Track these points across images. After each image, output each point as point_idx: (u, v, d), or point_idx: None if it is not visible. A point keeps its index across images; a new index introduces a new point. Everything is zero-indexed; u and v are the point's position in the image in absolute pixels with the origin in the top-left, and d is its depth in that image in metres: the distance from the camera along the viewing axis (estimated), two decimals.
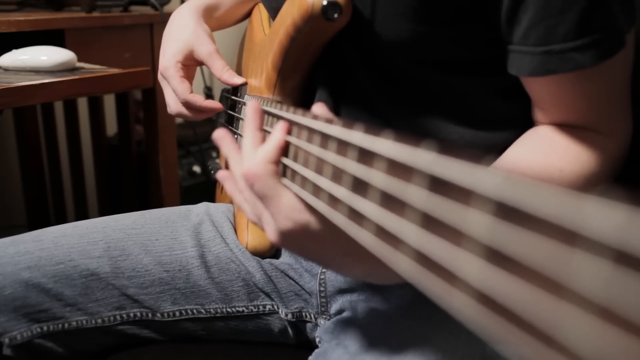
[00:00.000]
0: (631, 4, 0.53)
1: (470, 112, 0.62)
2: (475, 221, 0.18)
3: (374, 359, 0.58)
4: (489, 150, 0.60)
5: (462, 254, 0.19)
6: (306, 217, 0.44)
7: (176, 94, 0.78)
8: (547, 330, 0.15)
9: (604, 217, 0.14)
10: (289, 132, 0.46)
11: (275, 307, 0.74)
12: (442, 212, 0.20)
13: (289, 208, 0.45)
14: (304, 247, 0.47)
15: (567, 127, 0.57)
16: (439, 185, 0.21)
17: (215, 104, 0.78)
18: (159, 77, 0.81)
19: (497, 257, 0.17)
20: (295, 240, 0.46)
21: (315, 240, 0.45)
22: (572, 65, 0.51)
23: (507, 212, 0.17)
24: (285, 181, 0.45)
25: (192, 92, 0.78)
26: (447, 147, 0.21)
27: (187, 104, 0.78)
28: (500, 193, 0.18)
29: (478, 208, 0.18)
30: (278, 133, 0.46)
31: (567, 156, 0.55)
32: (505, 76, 0.56)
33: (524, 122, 0.59)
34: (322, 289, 0.70)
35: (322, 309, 0.71)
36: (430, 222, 0.21)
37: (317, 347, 0.69)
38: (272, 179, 0.46)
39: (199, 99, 0.77)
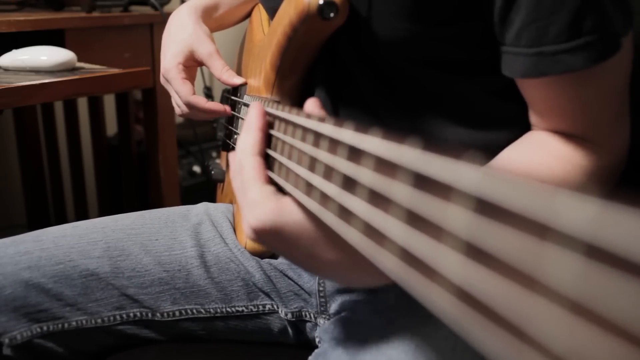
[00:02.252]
0: (626, 6, 0.53)
1: (467, 112, 0.62)
2: (455, 216, 0.19)
3: (374, 358, 0.58)
4: (486, 151, 0.60)
5: (443, 249, 0.19)
6: (270, 217, 0.44)
7: (179, 96, 0.78)
8: (520, 325, 0.15)
9: (575, 210, 0.14)
10: (272, 126, 0.47)
11: (275, 306, 0.74)
12: (425, 208, 0.20)
13: (255, 205, 0.45)
14: (271, 244, 0.47)
15: (560, 134, 0.56)
16: (422, 181, 0.21)
17: (217, 106, 0.78)
18: (162, 79, 0.81)
19: (475, 252, 0.18)
20: (261, 237, 0.46)
21: (280, 240, 0.45)
22: (563, 67, 0.51)
23: (485, 207, 0.17)
24: (279, 180, 0.45)
25: (194, 93, 0.78)
26: (432, 144, 0.21)
27: (189, 106, 0.78)
28: (478, 188, 0.18)
29: (458, 203, 0.19)
30: (254, 117, 0.48)
31: (552, 166, 0.54)
32: (501, 77, 0.56)
33: (521, 123, 0.59)
34: (321, 288, 0.71)
35: (322, 308, 0.71)
36: (414, 219, 0.21)
37: (317, 347, 0.69)
38: (253, 171, 0.47)
39: (201, 101, 0.77)
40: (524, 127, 0.59)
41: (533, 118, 0.58)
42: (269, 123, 0.50)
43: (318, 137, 0.35)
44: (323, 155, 0.34)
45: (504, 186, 0.16)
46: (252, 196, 0.45)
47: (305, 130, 0.38)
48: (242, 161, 0.48)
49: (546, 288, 0.15)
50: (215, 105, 0.78)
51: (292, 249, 0.45)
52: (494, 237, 0.17)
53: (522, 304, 0.15)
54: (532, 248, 0.15)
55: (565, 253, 0.14)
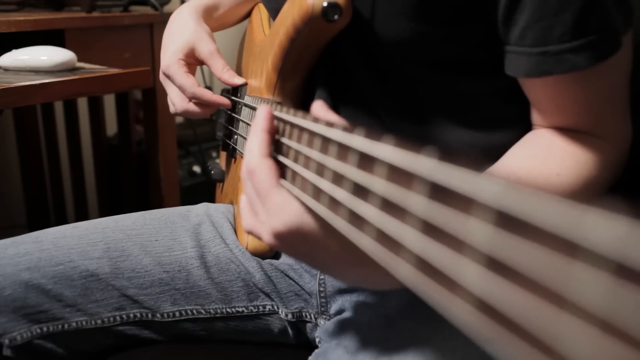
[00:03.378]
0: (627, 5, 0.53)
1: (469, 113, 0.62)
2: (476, 229, 0.18)
3: (374, 359, 0.58)
4: (488, 152, 0.60)
5: (462, 261, 0.19)
6: (298, 219, 0.43)
7: (183, 89, 0.77)
8: (547, 341, 0.15)
9: (604, 229, 0.14)
10: (279, 131, 0.46)
11: (275, 307, 0.74)
12: (443, 220, 0.20)
13: (280, 208, 0.44)
14: (296, 249, 0.46)
15: (565, 130, 0.56)
16: (439, 192, 0.21)
17: (223, 98, 0.78)
18: (161, 76, 0.81)
19: (497, 265, 0.17)
20: (287, 241, 0.45)
21: (308, 243, 0.44)
22: (568, 67, 0.51)
23: (507, 220, 0.17)
24: (286, 184, 0.45)
25: (199, 85, 0.78)
26: (448, 154, 0.21)
27: (195, 98, 0.77)
28: (501, 202, 0.17)
29: (479, 217, 0.18)
30: (261, 119, 0.47)
31: (565, 160, 0.55)
32: (503, 78, 0.56)
33: (523, 124, 0.59)
34: (321, 289, 0.70)
35: (322, 309, 0.71)
36: (431, 229, 0.21)
37: (317, 347, 0.69)
38: (267, 174, 0.45)
39: (208, 93, 0.77)
40: (526, 128, 0.59)
41: (536, 117, 0.58)
42: (276, 129, 0.49)
43: (327, 142, 0.35)
44: (332, 162, 0.33)
45: (528, 200, 0.16)
46: (275, 202, 0.44)
47: (312, 134, 0.38)
48: (253, 165, 0.46)
49: (574, 305, 0.15)
50: (221, 98, 0.78)
51: (319, 250, 0.44)
52: (518, 252, 0.16)
53: (549, 319, 0.15)
54: (558, 264, 0.15)
55: (594, 271, 0.14)
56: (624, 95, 0.56)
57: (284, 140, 0.46)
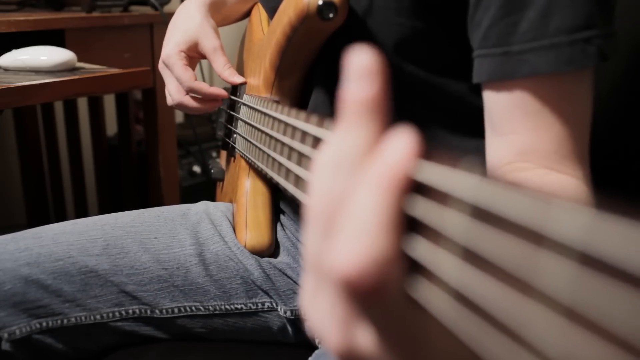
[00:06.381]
0: (610, 11, 0.49)
1: (461, 116, 0.62)
2: (453, 221, 0.19)
3: None
4: (483, 157, 0.60)
5: (440, 253, 0.19)
6: None
7: (180, 81, 0.77)
8: (516, 329, 0.16)
9: (569, 219, 0.14)
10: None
11: (274, 304, 0.74)
12: (422, 212, 0.21)
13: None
14: None
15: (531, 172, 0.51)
16: (420, 186, 0.21)
17: (219, 90, 0.78)
18: (161, 65, 0.81)
19: (472, 256, 0.18)
20: None
21: None
22: (528, 69, 0.47)
23: (482, 213, 0.18)
24: (280, 180, 0.45)
25: (196, 79, 0.78)
26: (427, 151, 0.22)
27: (192, 91, 0.77)
28: (474, 196, 0.18)
29: (455, 208, 0.19)
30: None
31: None
32: None
33: None
34: None
35: None
36: (411, 221, 0.22)
37: (316, 347, 0.69)
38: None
39: (204, 86, 0.77)
40: None
41: (491, 144, 0.53)
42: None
43: (317, 141, 0.35)
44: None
45: (500, 195, 0.17)
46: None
47: (305, 133, 0.38)
48: (367, 273, 0.23)
49: (541, 293, 0.15)
50: (218, 90, 0.78)
51: None
52: (491, 243, 0.17)
53: (518, 308, 0.16)
54: (527, 255, 0.15)
55: (560, 260, 0.14)
56: (585, 135, 0.50)
57: (276, 134, 0.46)
